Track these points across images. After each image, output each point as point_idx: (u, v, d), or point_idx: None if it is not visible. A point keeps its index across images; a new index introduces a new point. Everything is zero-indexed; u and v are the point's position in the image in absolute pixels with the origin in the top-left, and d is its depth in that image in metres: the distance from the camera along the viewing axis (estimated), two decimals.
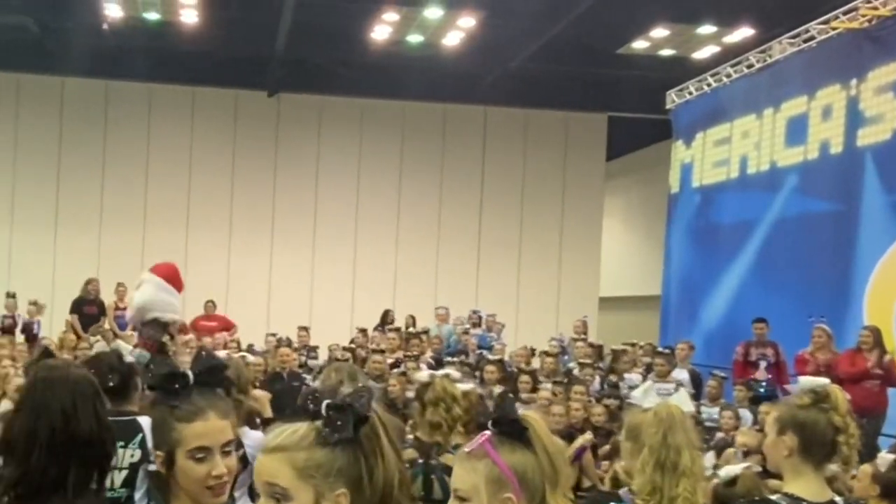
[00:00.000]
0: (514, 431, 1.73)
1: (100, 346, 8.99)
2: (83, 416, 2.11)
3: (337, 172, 16.26)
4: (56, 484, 2.07)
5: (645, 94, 14.94)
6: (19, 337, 12.77)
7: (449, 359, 10.75)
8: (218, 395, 1.99)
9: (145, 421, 3.48)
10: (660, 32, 13.84)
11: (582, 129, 16.98)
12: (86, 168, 15.70)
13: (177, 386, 1.94)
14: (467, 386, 4.23)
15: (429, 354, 11.30)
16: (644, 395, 8.79)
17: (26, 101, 15.64)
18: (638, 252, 19.25)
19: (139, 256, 15.36)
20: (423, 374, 4.14)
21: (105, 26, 13.74)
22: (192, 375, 1.95)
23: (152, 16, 13.62)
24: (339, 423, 1.43)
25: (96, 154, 15.74)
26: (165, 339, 6.02)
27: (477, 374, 9.71)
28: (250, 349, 10.84)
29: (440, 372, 4.14)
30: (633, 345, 11.41)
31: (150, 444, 3.27)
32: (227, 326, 13.70)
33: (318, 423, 1.45)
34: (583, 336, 12.47)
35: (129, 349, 4.76)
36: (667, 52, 14.66)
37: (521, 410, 1.82)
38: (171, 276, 6.44)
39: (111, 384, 3.48)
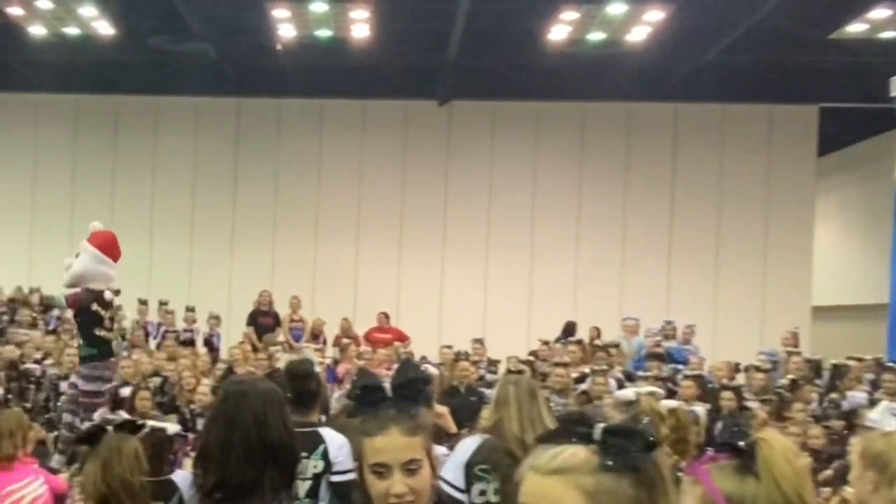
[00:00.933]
0: (737, 455, 1.54)
1: (285, 357, 8.95)
2: (273, 424, 2.28)
3: (511, 179, 15.58)
4: (253, 487, 2.28)
5: (862, 81, 13.26)
6: (200, 349, 13.20)
7: (640, 373, 10.29)
8: (410, 411, 1.94)
9: (327, 432, 3.75)
10: (881, 13, 12.12)
11: (789, 123, 15.31)
12: (260, 184, 15.90)
13: (371, 399, 1.95)
14: (673, 403, 4.14)
15: (617, 369, 10.75)
16: (882, 416, 7.60)
17: (205, 123, 16.01)
18: (857, 256, 17.29)
19: (311, 269, 15.49)
20: (628, 393, 3.93)
21: (279, 47, 13.73)
22: (390, 389, 1.95)
23: (324, 33, 13.46)
24: (622, 448, 1.31)
25: (270, 170, 15.92)
26: (94, 307, 6.29)
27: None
28: (423, 361, 10.52)
29: (644, 389, 3.99)
30: (859, 359, 10.26)
31: (332, 455, 3.66)
32: (401, 338, 13.60)
33: (593, 446, 1.32)
34: (796, 349, 11.27)
35: (318, 360, 4.79)
36: (889, 34, 12.84)
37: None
38: (107, 246, 6.61)
39: (298, 395, 3.69)
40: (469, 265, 15.49)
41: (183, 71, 14.64)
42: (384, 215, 15.70)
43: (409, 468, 1.87)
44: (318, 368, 4.16)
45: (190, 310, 13.70)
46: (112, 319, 6.70)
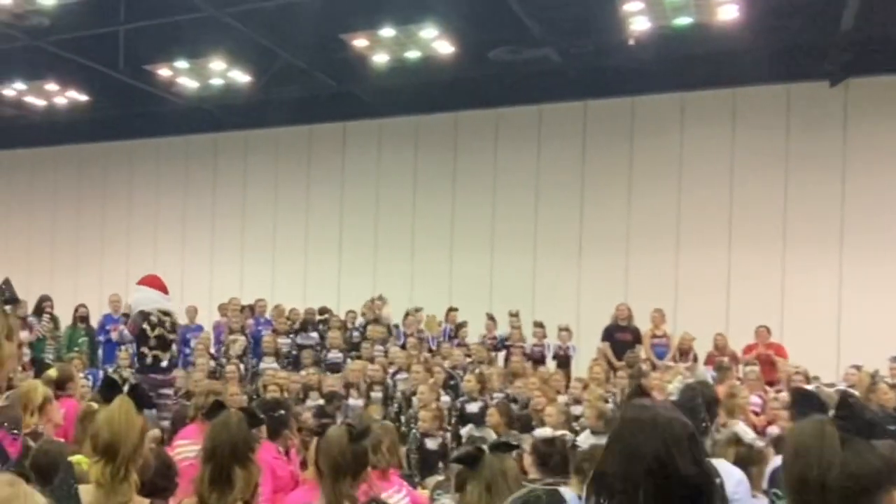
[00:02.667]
0: None
1: (677, 381, 7.97)
2: (680, 461, 2.07)
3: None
4: None
5: None
6: (550, 365, 12.53)
7: None
8: None
9: (723, 465, 3.51)
10: None
11: None
12: (610, 190, 14.76)
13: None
14: None
15: None
16: None
17: (548, 129, 15.22)
18: None
19: (672, 279, 14.13)
20: None
21: (630, 42, 12.40)
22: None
23: (683, 21, 11.89)
24: None
25: (621, 174, 14.74)
26: (145, 325, 7.71)
27: None
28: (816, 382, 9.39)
29: None
30: None
31: (729, 490, 3.34)
32: (782, 355, 11.95)
33: None
34: None
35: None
36: None
37: None
38: (153, 283, 8.41)
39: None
40: (872, 267, 13.17)
41: (523, 80, 13.90)
42: (759, 216, 13.89)
43: None
44: None
45: (538, 325, 13.15)
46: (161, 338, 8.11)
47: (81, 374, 9.06)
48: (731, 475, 3.60)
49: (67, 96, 15.86)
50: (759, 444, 5.00)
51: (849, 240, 13.47)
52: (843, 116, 13.37)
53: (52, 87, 15.47)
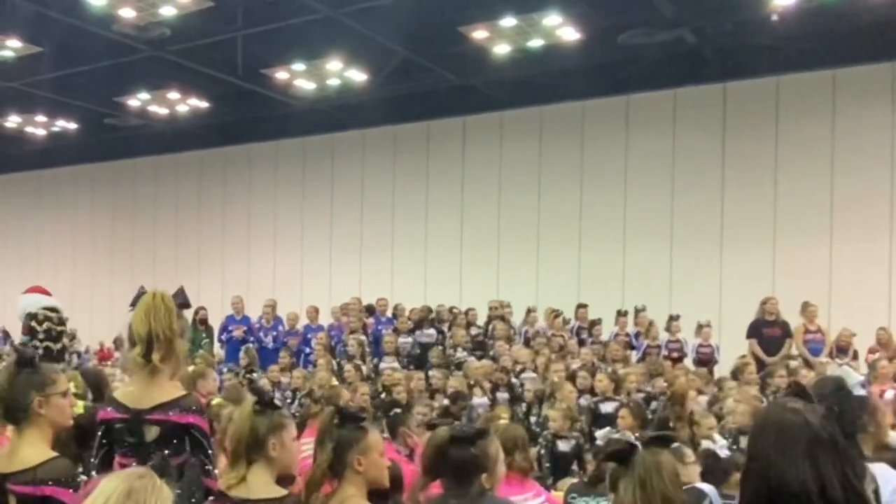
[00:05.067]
0: None
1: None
2: (788, 467, 2.04)
3: None
4: None
5: None
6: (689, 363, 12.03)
7: None
8: None
9: (880, 469, 3.27)
10: None
11: None
12: (754, 175, 14.00)
13: None
14: None
15: None
16: None
17: (683, 114, 14.56)
18: None
19: (825, 270, 13.32)
20: None
21: (774, 17, 11.67)
22: None
23: None
24: None
25: (766, 158, 13.98)
26: (32, 323, 7.78)
27: None
28: None
29: None
30: None
31: (884, 499, 3.21)
32: None
33: None
34: None
35: (859, 378, 3.90)
36: None
37: None
38: (35, 290, 8.29)
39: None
40: None
41: (656, 64, 13.34)
42: None
43: None
44: (861, 391, 3.56)
45: (674, 318, 12.58)
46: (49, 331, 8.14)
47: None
48: (888, 481, 3.34)
49: (189, 104, 16.23)
50: None
51: None
52: None
53: (173, 95, 15.85)
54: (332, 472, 3.19)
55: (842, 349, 11.84)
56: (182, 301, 3.62)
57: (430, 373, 11.00)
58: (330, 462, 3.18)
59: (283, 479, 3.42)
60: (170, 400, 3.47)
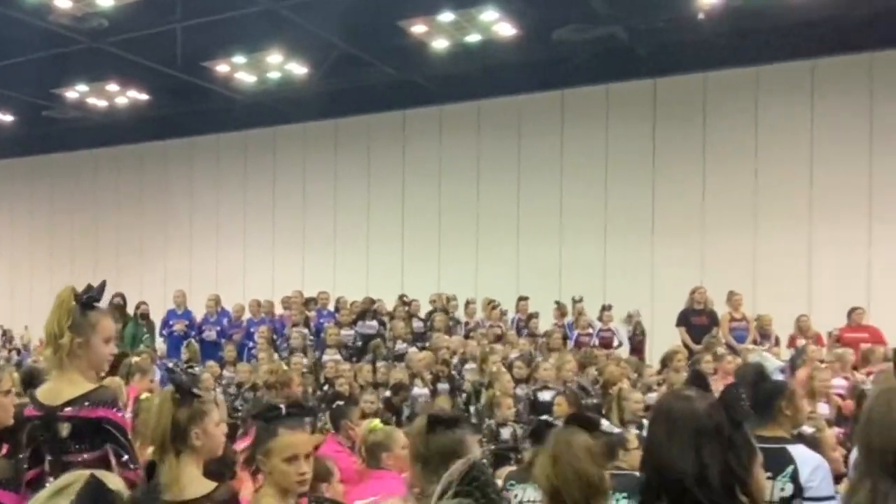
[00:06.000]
0: None
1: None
2: (674, 453, 2.17)
3: None
4: None
5: None
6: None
7: None
8: None
9: (798, 450, 3.45)
10: None
11: None
12: (683, 170, 14.49)
13: None
14: None
15: None
16: None
17: (616, 110, 15.00)
18: None
19: (749, 260, 13.84)
20: None
21: (700, 16, 12.13)
22: None
23: None
24: None
25: (694, 153, 14.46)
26: None
27: None
28: None
29: None
30: None
31: (803, 478, 3.35)
32: (878, 340, 11.47)
33: None
34: None
35: (778, 364, 4.16)
36: None
37: None
38: None
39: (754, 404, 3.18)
40: None
41: (590, 60, 13.75)
42: (844, 191, 13.52)
43: None
44: (778, 375, 3.79)
45: (606, 308, 13.06)
46: None
47: None
48: (806, 462, 3.44)
49: (128, 96, 16.17)
50: (809, 430, 4.92)
51: None
52: None
53: (112, 87, 15.79)
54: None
55: (764, 335, 12.33)
56: (92, 295, 3.56)
57: (377, 364, 11.18)
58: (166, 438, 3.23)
59: (220, 474, 3.47)
60: (79, 395, 3.44)
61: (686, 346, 12.13)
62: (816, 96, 13.64)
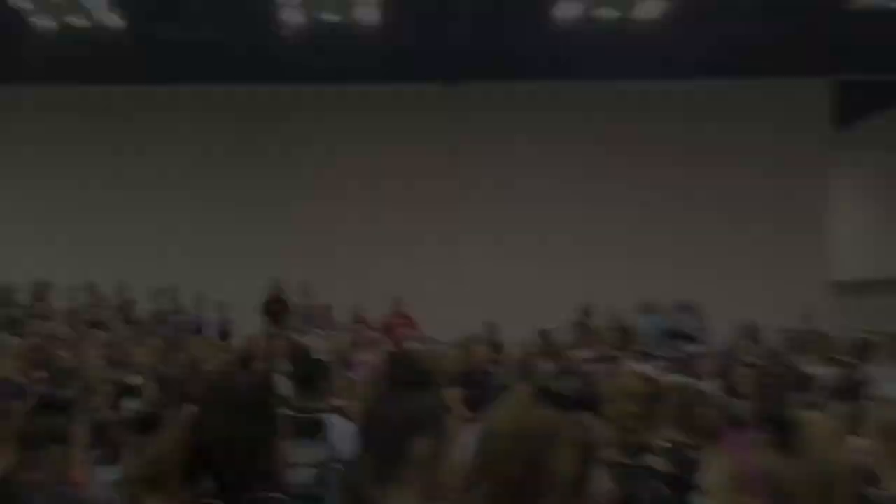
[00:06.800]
0: (778, 432, 1.62)
1: None
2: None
3: None
4: None
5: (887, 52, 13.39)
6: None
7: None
8: None
9: (331, 419, 3.81)
10: None
11: (803, 96, 15.63)
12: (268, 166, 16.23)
13: None
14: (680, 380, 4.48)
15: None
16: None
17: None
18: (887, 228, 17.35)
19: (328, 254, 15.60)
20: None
21: (284, 32, 13.99)
22: None
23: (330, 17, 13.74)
24: None
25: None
26: None
27: None
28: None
29: None
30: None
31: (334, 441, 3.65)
32: (411, 325, 13.72)
33: None
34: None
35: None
36: None
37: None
38: None
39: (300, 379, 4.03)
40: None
41: (193, 60, 14.68)
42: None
43: None
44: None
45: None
46: None
47: None
48: (339, 430, 3.86)
49: None
50: None
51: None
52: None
53: None
54: None
55: (326, 321, 13.76)
56: None
57: None
58: None
59: None
60: None
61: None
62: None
